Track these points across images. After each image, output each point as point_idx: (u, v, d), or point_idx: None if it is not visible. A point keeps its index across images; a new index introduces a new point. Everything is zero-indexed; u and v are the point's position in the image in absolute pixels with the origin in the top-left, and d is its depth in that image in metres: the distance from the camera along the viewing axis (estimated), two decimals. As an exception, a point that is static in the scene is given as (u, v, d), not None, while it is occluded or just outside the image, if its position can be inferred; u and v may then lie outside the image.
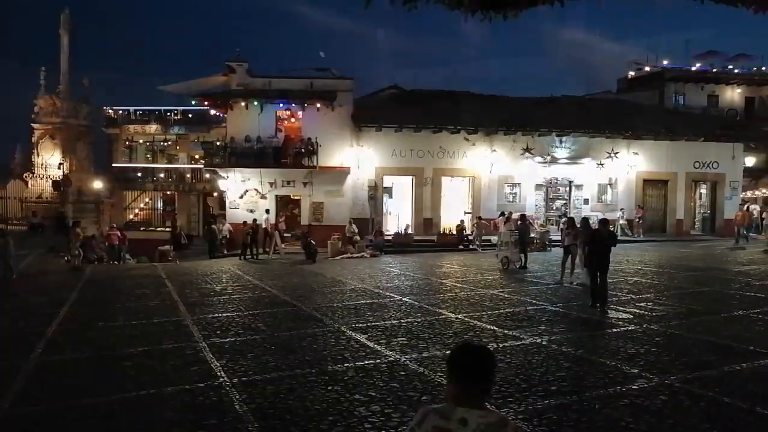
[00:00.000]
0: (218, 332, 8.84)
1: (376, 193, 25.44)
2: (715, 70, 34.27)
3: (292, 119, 25.60)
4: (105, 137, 38.87)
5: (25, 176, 32.27)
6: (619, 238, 20.63)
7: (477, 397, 2.19)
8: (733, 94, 33.83)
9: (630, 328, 8.72)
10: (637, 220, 26.37)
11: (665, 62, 35.59)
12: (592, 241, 10.83)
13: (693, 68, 34.40)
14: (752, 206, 30.21)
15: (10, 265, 15.82)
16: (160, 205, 39.04)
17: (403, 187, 26.53)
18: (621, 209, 26.28)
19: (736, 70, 34.35)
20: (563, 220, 22.09)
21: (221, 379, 6.41)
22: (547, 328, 8.82)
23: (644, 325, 8.89)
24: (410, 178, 25.88)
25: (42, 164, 31.86)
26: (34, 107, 32.01)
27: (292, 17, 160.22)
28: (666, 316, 9.55)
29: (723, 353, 7.30)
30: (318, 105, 24.48)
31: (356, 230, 22.67)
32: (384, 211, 26.11)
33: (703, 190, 29.29)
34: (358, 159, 24.94)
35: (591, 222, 14.79)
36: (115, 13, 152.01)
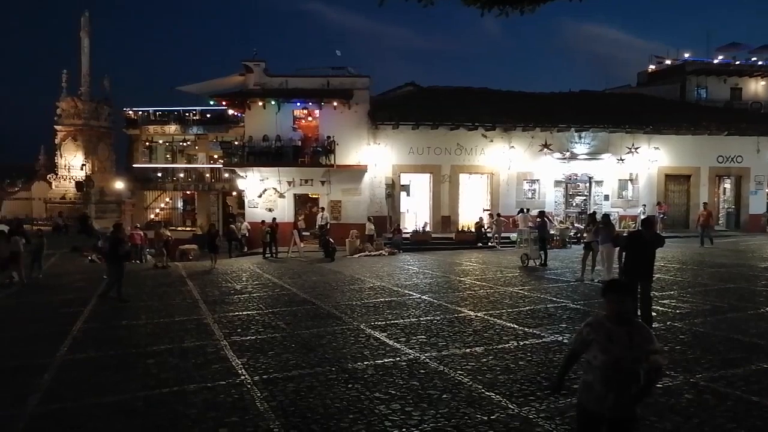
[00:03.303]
0: (239, 330, 8.92)
1: (394, 190, 25.43)
2: (738, 62, 33.56)
3: (309, 118, 25.68)
4: (125, 138, 39.46)
5: (49, 177, 32.91)
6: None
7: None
8: (756, 87, 33.10)
9: (654, 326, 8.57)
10: (661, 215, 25.98)
11: (686, 55, 34.95)
12: (631, 244, 8.57)
13: (715, 61, 33.72)
14: None
15: (41, 264, 16.21)
16: (180, 204, 39.52)
17: (420, 185, 26.47)
18: (643, 205, 25.91)
19: (759, 62, 33.60)
20: (568, 220, 22.09)
21: (242, 377, 6.46)
22: (568, 326, 8.73)
23: (668, 323, 8.76)
24: (428, 175, 25.82)
25: (65, 165, 32.47)
26: (57, 109, 32.58)
27: (308, 16, 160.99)
28: (690, 314, 9.40)
29: (750, 351, 7.16)
30: (335, 103, 24.53)
31: (373, 228, 22.68)
32: (402, 208, 26.08)
33: (727, 184, 28.75)
34: (376, 157, 24.94)
35: (612, 218, 14.66)
36: (133, 16, 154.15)
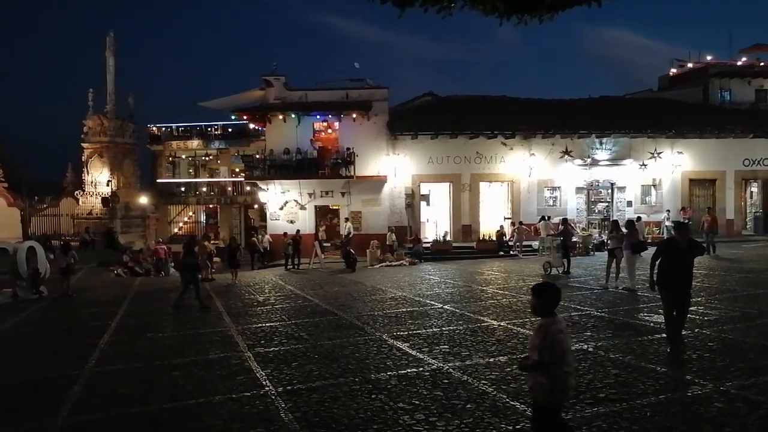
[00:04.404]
0: (262, 342, 8.99)
1: (414, 200, 25.45)
2: (762, 63, 32.90)
3: (329, 130, 25.90)
4: (149, 154, 40.20)
5: (77, 194, 33.61)
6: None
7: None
8: (783, 88, 32.40)
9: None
10: (686, 221, 25.53)
11: (708, 58, 34.39)
12: (664, 253, 7.56)
13: (738, 63, 33.12)
14: None
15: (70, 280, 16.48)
16: (203, 218, 40.04)
17: (440, 194, 26.45)
18: (667, 210, 25.51)
19: (785, 63, 32.93)
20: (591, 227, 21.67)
21: (267, 388, 6.51)
22: (593, 334, 8.63)
23: (696, 330, 8.58)
24: (447, 184, 25.80)
25: (92, 182, 33.14)
26: (84, 127, 33.36)
27: (326, 30, 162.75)
28: (719, 320, 9.21)
29: (782, 358, 6.98)
30: (354, 115, 24.71)
31: (394, 238, 22.72)
32: (422, 218, 26.07)
33: (754, 188, 28.16)
34: (395, 167, 25.02)
35: (637, 224, 14.46)
36: (154, 34, 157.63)
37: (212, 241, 33.64)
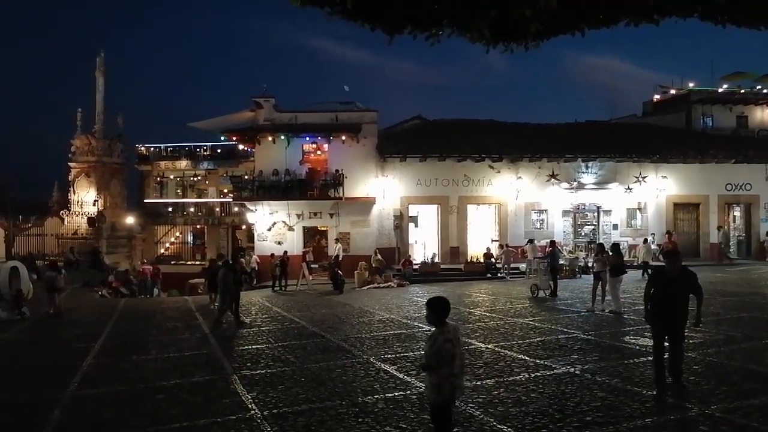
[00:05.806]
0: (248, 364, 8.90)
1: (402, 222, 25.52)
2: (743, 90, 33.72)
3: (319, 152, 26.01)
4: (137, 174, 40.01)
5: (62, 213, 33.27)
6: (650, 263, 20.33)
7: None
8: (763, 115, 33.12)
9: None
10: (666, 247, 25.75)
11: (691, 84, 35.18)
12: (655, 284, 6.90)
13: (720, 90, 33.90)
14: None
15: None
16: (190, 239, 39.75)
17: (428, 216, 26.55)
18: (651, 234, 25.78)
19: (764, 91, 33.73)
20: (577, 250, 21.95)
21: (252, 412, 6.44)
22: (580, 357, 8.66)
23: (681, 353, 8.63)
24: (436, 206, 25.93)
25: (78, 201, 32.84)
26: (71, 147, 33.18)
27: (317, 54, 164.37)
28: (704, 344, 9.28)
29: (765, 381, 7.06)
30: (343, 137, 24.87)
31: (380, 259, 22.67)
32: (410, 240, 26.11)
33: (737, 212, 28.60)
34: (384, 189, 25.13)
35: (621, 248, 14.60)
36: (144, 55, 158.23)
37: (190, 262, 33.40)
